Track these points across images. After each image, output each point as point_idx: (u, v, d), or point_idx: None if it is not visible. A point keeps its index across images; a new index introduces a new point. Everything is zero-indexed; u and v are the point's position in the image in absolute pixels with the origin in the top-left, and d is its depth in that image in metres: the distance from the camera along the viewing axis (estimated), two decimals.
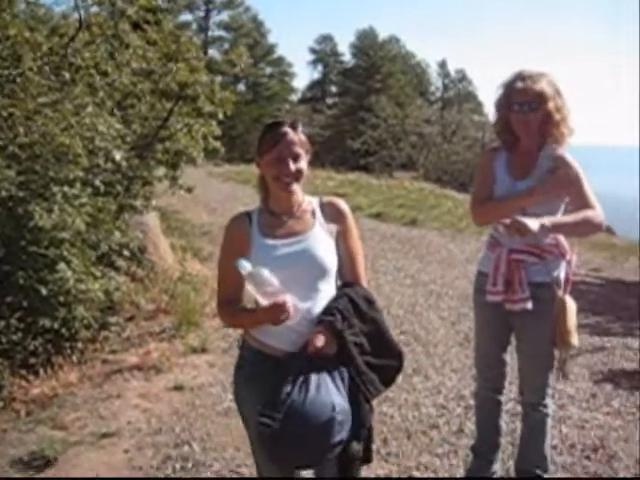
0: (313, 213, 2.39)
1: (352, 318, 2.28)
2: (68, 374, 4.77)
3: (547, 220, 2.82)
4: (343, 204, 2.46)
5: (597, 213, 2.94)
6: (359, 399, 2.25)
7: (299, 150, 2.29)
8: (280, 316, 2.15)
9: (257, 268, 2.16)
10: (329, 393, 2.12)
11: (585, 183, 2.99)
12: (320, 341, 2.17)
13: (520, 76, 3.04)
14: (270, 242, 2.30)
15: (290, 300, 2.16)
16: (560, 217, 2.99)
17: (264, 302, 2.15)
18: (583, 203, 2.96)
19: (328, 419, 2.06)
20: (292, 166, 2.26)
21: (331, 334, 2.20)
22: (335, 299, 2.31)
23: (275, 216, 2.36)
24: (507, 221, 2.81)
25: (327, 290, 2.34)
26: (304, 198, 2.41)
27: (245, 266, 2.16)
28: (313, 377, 2.15)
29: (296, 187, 2.31)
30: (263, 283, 2.15)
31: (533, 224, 2.74)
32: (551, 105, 2.98)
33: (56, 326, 4.87)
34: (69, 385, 4.66)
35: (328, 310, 2.26)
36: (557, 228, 2.92)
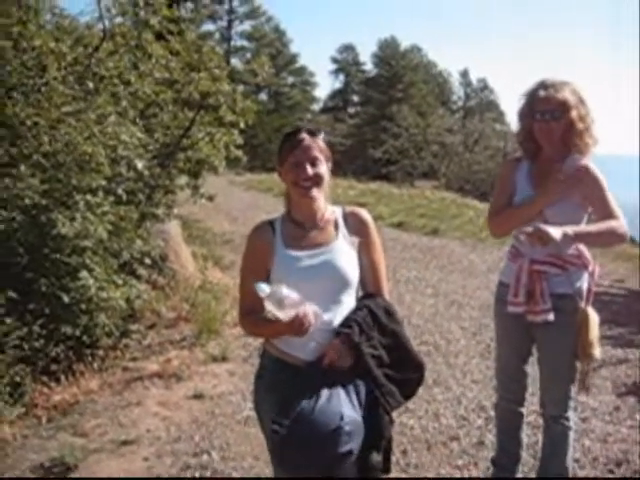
0: (336, 224, 2.38)
1: (371, 331, 2.27)
2: (89, 381, 4.80)
3: (570, 229, 2.79)
4: (366, 214, 2.45)
5: (621, 224, 2.89)
6: (378, 411, 2.24)
7: (317, 154, 2.29)
8: (301, 329, 2.15)
9: (275, 287, 2.15)
10: (339, 404, 2.12)
11: (608, 193, 2.95)
12: (334, 354, 2.19)
13: (543, 85, 3.02)
14: (293, 253, 2.30)
15: (309, 310, 2.16)
16: (583, 226, 2.95)
17: (285, 318, 2.14)
18: (606, 213, 2.91)
19: (335, 428, 2.05)
20: (310, 170, 2.26)
21: (347, 347, 2.20)
22: (355, 311, 2.31)
23: (298, 226, 2.35)
24: (529, 229, 2.78)
25: (348, 302, 2.34)
26: (327, 207, 2.40)
27: (264, 289, 2.14)
28: (326, 388, 2.15)
29: (316, 193, 2.30)
30: (282, 300, 2.14)
31: (556, 232, 2.71)
32: (574, 114, 2.95)
33: (78, 333, 4.91)
34: (90, 392, 4.69)
35: (346, 322, 2.26)
36: (580, 237, 2.88)
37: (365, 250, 2.39)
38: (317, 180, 2.28)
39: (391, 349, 2.33)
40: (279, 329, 2.23)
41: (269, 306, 2.15)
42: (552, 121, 2.96)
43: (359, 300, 2.39)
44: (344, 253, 2.33)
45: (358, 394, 2.21)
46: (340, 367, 2.20)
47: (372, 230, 2.42)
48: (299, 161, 2.26)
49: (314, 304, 2.19)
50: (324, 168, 2.31)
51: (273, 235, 2.34)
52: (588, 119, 3.01)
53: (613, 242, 3.04)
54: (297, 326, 2.14)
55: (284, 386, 2.23)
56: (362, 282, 2.41)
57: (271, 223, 2.39)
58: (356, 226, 2.40)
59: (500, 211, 3.15)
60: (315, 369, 2.21)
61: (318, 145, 2.30)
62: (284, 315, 2.14)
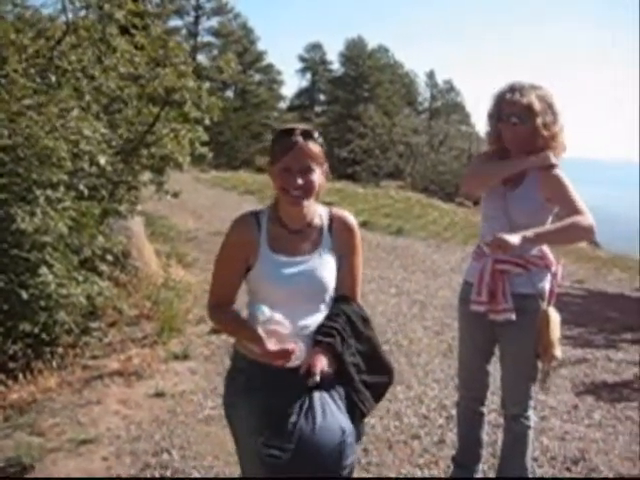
0: (321, 230, 2.33)
1: (349, 338, 2.27)
2: (47, 379, 4.71)
3: (530, 232, 2.81)
4: (352, 220, 2.40)
5: (585, 217, 2.89)
6: (355, 415, 2.25)
7: (309, 162, 2.17)
8: (280, 362, 2.12)
9: (273, 313, 2.12)
10: (335, 416, 2.13)
11: (572, 191, 2.98)
12: (318, 363, 2.16)
13: (511, 88, 3.05)
14: (276, 257, 2.24)
15: (298, 348, 2.12)
16: (545, 226, 2.97)
17: (272, 347, 2.09)
18: (571, 209, 2.93)
19: (339, 443, 2.07)
20: (300, 179, 2.15)
21: (330, 356, 2.19)
22: (333, 317, 2.28)
23: (285, 228, 2.28)
24: (489, 238, 2.81)
25: (324, 308, 2.33)
26: (316, 210, 2.33)
27: (265, 312, 2.11)
28: (316, 400, 2.14)
29: (306, 203, 2.21)
30: (276, 327, 2.12)
31: (513, 239, 2.73)
32: (539, 121, 2.98)
33: (36, 331, 4.81)
34: (48, 390, 4.60)
35: (326, 330, 2.23)
36: (543, 237, 2.90)
37: (346, 256, 2.36)
38: (308, 189, 2.18)
39: (366, 355, 2.34)
40: (254, 342, 2.15)
41: (261, 328, 2.11)
42: (518, 124, 2.99)
43: (334, 303, 2.35)
44: (326, 263, 2.30)
45: (342, 399, 2.23)
46: (323, 376, 2.17)
47: (356, 237, 2.39)
48: (289, 167, 2.15)
49: (292, 310, 2.17)
50: (317, 175, 2.19)
51: (258, 231, 2.26)
52: (555, 127, 3.04)
53: (580, 237, 3.05)
54: (277, 359, 2.11)
55: (265, 391, 2.19)
56: (338, 284, 2.36)
57: (256, 217, 2.30)
58: (341, 232, 2.35)
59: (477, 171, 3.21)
60: (297, 376, 2.16)
61: (312, 150, 2.17)
62: (272, 343, 2.10)
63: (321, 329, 2.24)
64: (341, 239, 2.34)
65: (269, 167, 2.25)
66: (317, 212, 2.34)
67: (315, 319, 2.27)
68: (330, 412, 2.13)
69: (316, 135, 2.21)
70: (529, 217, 2.98)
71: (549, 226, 2.98)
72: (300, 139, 2.15)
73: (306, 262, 2.26)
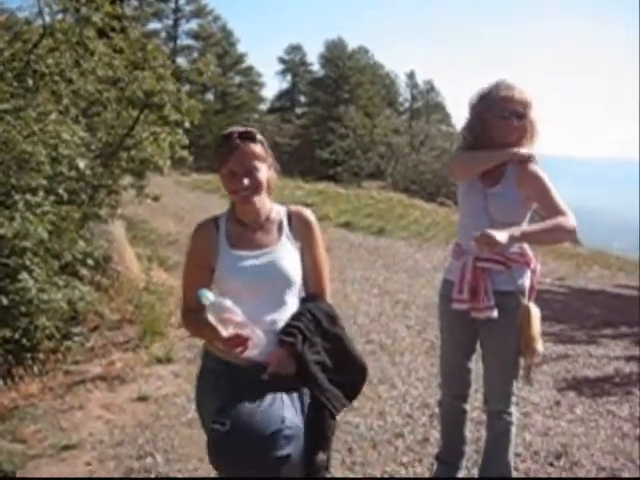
0: (280, 224, 2.37)
1: (314, 336, 2.28)
2: (29, 385, 4.68)
3: (517, 230, 2.83)
4: (310, 214, 2.44)
5: (568, 218, 2.91)
6: (323, 414, 2.25)
7: (253, 163, 2.23)
8: (238, 350, 2.13)
9: (219, 299, 2.13)
10: (282, 407, 2.13)
11: (553, 191, 3.00)
12: (277, 363, 2.19)
13: (505, 85, 3.06)
14: (237, 253, 2.29)
15: (254, 336, 2.13)
16: (530, 226, 2.99)
17: (224, 332, 2.11)
18: (553, 209, 2.95)
19: (275, 430, 2.05)
20: (245, 181, 2.21)
21: (291, 355, 2.21)
22: (297, 316, 2.30)
23: (243, 226, 2.34)
24: (477, 234, 2.82)
25: (292, 302, 2.35)
26: (272, 207, 2.38)
27: (207, 296, 2.12)
28: (270, 393, 2.15)
29: (257, 199, 2.27)
30: (224, 313, 2.12)
31: (501, 236, 2.74)
32: (534, 115, 3.03)
33: (17, 336, 4.77)
34: (30, 396, 4.57)
35: (289, 329, 2.25)
36: (527, 236, 2.91)
37: (308, 250, 2.39)
38: (255, 188, 2.24)
39: (334, 353, 2.34)
40: (217, 337, 2.18)
41: (210, 316, 2.13)
42: (517, 121, 3.01)
43: (301, 302, 2.39)
44: (288, 254, 2.33)
45: (302, 402, 2.23)
46: (284, 375, 2.21)
47: (315, 230, 2.42)
48: (234, 171, 2.22)
49: (258, 305, 2.18)
50: (262, 173, 2.25)
51: (217, 233, 2.33)
52: (540, 123, 3.10)
53: (563, 237, 3.06)
54: (234, 345, 2.12)
55: (228, 387, 2.22)
56: (304, 282, 2.42)
57: (215, 221, 2.37)
58: (300, 226, 2.39)
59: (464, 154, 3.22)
60: (259, 373, 2.20)
61: (252, 150, 2.23)
62: (224, 329, 2.11)
63: (284, 329, 2.26)
64: (300, 233, 2.38)
65: (218, 171, 2.30)
66: (274, 208, 2.39)
67: (283, 314, 2.30)
68: (279, 404, 2.14)
69: (254, 134, 2.26)
70: (508, 214, 3.00)
71: (535, 226, 2.98)
72: (239, 142, 2.22)
73: (266, 254, 2.30)
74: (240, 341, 2.11)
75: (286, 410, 2.12)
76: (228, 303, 2.13)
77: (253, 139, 2.25)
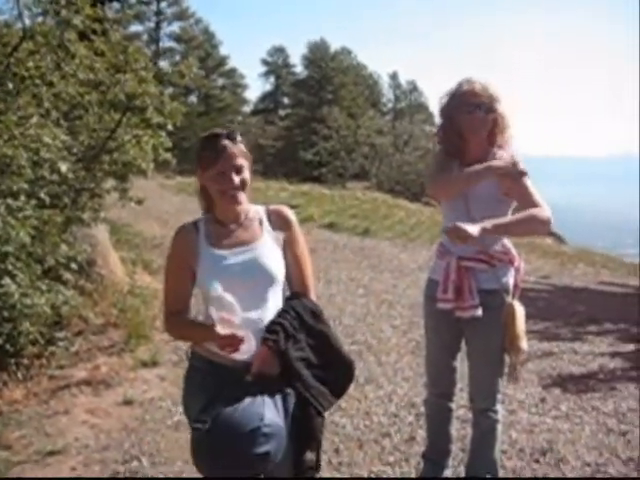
0: (260, 222, 2.39)
1: (297, 333, 2.28)
2: (13, 391, 4.65)
3: (488, 223, 2.83)
4: (289, 212, 2.46)
5: (543, 209, 2.93)
6: (309, 412, 2.25)
7: (241, 162, 2.27)
8: (229, 349, 2.16)
9: (225, 294, 2.16)
10: (262, 406, 2.12)
11: (529, 184, 3.02)
12: (261, 363, 2.20)
13: (469, 81, 3.09)
14: (218, 252, 2.29)
15: (248, 340, 2.16)
16: (502, 218, 2.97)
17: (222, 330, 2.14)
18: (528, 203, 2.97)
19: (253, 428, 2.05)
20: (236, 179, 2.25)
21: (274, 353, 2.21)
22: (281, 314, 2.31)
23: (222, 225, 2.35)
24: (449, 225, 2.83)
25: (276, 299, 2.36)
26: (250, 207, 2.40)
27: (217, 288, 2.15)
28: (251, 394, 2.15)
29: (243, 197, 2.30)
30: (223, 311, 2.15)
31: (472, 229, 2.76)
32: (501, 109, 3.04)
33: (0, 342, 4.74)
34: (14, 402, 4.54)
35: (272, 328, 2.25)
36: (500, 228, 2.91)
37: (289, 247, 2.41)
38: (243, 186, 2.28)
39: (319, 350, 2.34)
40: (207, 335, 2.22)
41: (212, 307, 2.16)
42: (482, 114, 3.02)
43: (285, 301, 2.40)
44: (269, 250, 2.34)
45: (285, 402, 2.21)
46: (269, 374, 2.21)
47: (295, 227, 2.44)
48: (224, 171, 2.25)
49: (242, 302, 2.18)
50: (247, 172, 2.30)
51: (197, 235, 2.33)
52: (510, 116, 3.11)
53: (537, 229, 3.03)
54: (227, 344, 2.15)
55: (213, 387, 2.22)
56: (288, 280, 2.43)
57: (195, 224, 2.38)
58: (280, 224, 2.41)
59: (444, 175, 3.17)
60: (244, 372, 2.20)
61: (240, 150, 2.28)
62: (221, 325, 2.14)
63: (268, 327, 2.27)
64: (281, 230, 2.40)
65: (199, 172, 2.33)
66: (253, 208, 2.42)
67: (267, 312, 2.31)
68: (260, 402, 2.14)
69: (239, 135, 2.31)
70: (488, 212, 2.99)
71: (506, 218, 3.00)
72: (228, 142, 2.26)
73: (248, 251, 2.31)
74: (234, 341, 2.13)
75: (266, 409, 2.12)
76: (230, 298, 2.16)
77: (237, 139, 2.29)
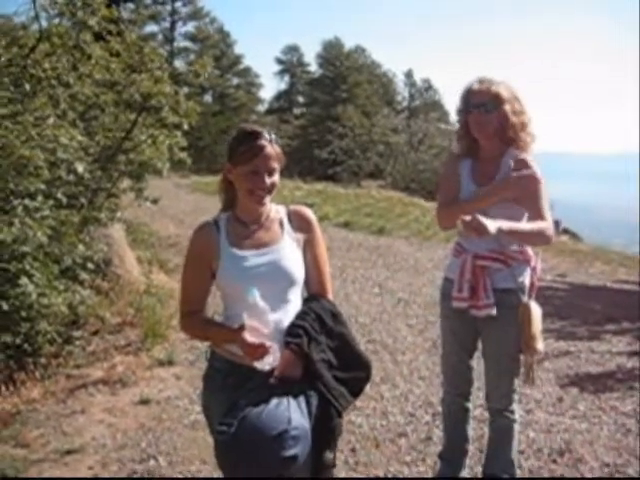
0: (281, 223, 2.39)
1: (319, 335, 2.29)
2: (31, 390, 4.68)
3: (505, 224, 2.84)
4: (310, 213, 2.46)
5: (549, 226, 2.97)
6: (330, 413, 2.25)
7: (275, 164, 2.27)
8: (256, 357, 2.16)
9: (263, 303, 2.16)
10: (288, 409, 2.12)
11: (542, 195, 3.01)
12: (285, 366, 2.20)
13: (478, 80, 3.08)
14: (239, 253, 2.29)
15: (273, 353, 2.16)
16: (517, 224, 2.98)
17: (250, 337, 2.13)
18: (535, 213, 2.99)
19: (282, 431, 2.04)
20: (267, 181, 2.25)
21: (298, 357, 2.21)
22: (302, 315, 2.31)
23: (244, 225, 2.35)
24: (467, 218, 2.81)
25: (295, 300, 2.36)
26: (271, 206, 2.40)
27: (255, 295, 2.14)
28: (276, 397, 2.15)
29: (268, 199, 2.30)
30: (254, 319, 2.15)
31: (492, 226, 2.76)
32: (507, 107, 3.02)
33: (18, 341, 4.78)
34: (32, 401, 4.57)
35: (294, 330, 2.25)
36: (515, 234, 2.95)
37: (309, 248, 2.40)
38: (272, 189, 2.28)
39: (338, 351, 2.34)
40: (229, 338, 2.22)
41: (246, 314, 2.15)
42: (485, 114, 3.01)
43: (305, 302, 2.40)
44: (290, 252, 2.34)
45: (309, 403, 2.21)
46: (292, 377, 2.21)
47: (316, 228, 2.44)
48: (258, 171, 2.24)
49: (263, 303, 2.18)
50: (278, 176, 2.30)
51: (218, 234, 2.33)
52: (524, 116, 3.07)
53: (540, 243, 3.11)
54: (254, 352, 2.15)
55: (235, 388, 2.22)
56: (306, 280, 2.42)
57: (215, 222, 2.37)
58: (300, 224, 2.41)
59: (449, 204, 3.17)
60: (266, 375, 2.20)
61: (276, 152, 2.27)
62: (250, 334, 2.14)
63: (290, 329, 2.26)
64: (301, 232, 2.40)
65: (229, 166, 2.30)
66: (274, 208, 2.42)
67: (288, 313, 2.31)
68: (286, 405, 2.13)
69: (276, 137, 2.30)
70: (506, 211, 2.98)
71: (521, 224, 3.00)
72: (267, 143, 2.24)
73: (270, 253, 2.31)
74: (262, 351, 2.14)
75: (292, 411, 2.12)
76: (265, 309, 2.16)
77: (276, 142, 2.29)
